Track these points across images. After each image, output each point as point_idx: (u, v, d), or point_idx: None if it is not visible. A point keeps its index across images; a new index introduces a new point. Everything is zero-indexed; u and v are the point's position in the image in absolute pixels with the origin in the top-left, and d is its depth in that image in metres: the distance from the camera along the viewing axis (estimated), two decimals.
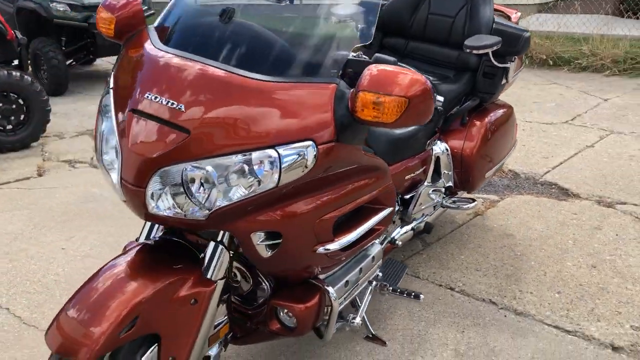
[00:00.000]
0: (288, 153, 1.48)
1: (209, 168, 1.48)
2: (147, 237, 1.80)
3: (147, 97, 1.54)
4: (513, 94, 5.11)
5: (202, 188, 1.50)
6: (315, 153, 1.50)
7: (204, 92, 1.51)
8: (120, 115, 1.60)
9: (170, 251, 1.75)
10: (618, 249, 2.97)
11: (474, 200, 2.83)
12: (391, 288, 2.16)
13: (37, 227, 3.44)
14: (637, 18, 7.24)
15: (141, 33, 1.82)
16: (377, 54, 1.70)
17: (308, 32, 1.67)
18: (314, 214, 1.67)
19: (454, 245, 3.08)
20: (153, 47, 1.69)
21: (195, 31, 1.72)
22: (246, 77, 1.52)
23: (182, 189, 1.51)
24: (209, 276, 1.66)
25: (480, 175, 2.80)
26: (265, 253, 1.66)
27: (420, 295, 2.12)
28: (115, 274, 1.61)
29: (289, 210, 1.61)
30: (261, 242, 1.63)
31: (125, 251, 1.74)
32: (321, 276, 1.89)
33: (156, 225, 1.81)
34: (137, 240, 1.81)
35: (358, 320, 2.01)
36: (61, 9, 6.67)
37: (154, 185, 1.51)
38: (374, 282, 2.15)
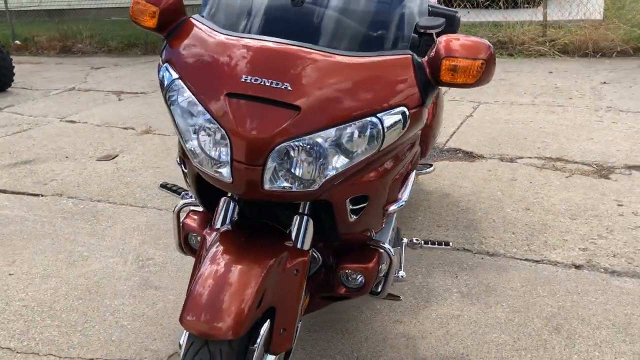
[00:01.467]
0: (388, 119, 1.64)
1: (320, 140, 1.58)
2: (223, 222, 1.81)
3: (246, 80, 1.59)
4: None
5: (314, 160, 1.59)
6: (408, 117, 1.68)
7: (306, 71, 1.60)
8: (211, 101, 1.62)
9: (245, 232, 1.79)
10: (538, 193, 3.52)
11: (431, 165, 3.17)
12: (422, 241, 2.39)
13: None
14: (473, 7, 8.31)
15: (186, 23, 1.83)
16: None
17: (377, 10, 1.83)
18: (391, 174, 1.84)
19: (407, 210, 3.39)
20: (222, 34, 1.72)
21: (267, 15, 1.78)
22: (338, 54, 1.65)
23: (296, 163, 1.59)
24: (300, 246, 1.75)
25: (432, 144, 3.13)
26: (351, 217, 1.80)
27: (450, 243, 2.38)
28: (220, 259, 1.63)
29: (376, 172, 1.77)
30: (351, 206, 1.77)
31: (209, 241, 1.74)
32: (375, 237, 2.06)
33: (230, 210, 1.82)
34: (211, 226, 1.82)
35: (402, 273, 2.21)
36: None
37: (271, 162, 1.57)
38: (405, 239, 2.36)
